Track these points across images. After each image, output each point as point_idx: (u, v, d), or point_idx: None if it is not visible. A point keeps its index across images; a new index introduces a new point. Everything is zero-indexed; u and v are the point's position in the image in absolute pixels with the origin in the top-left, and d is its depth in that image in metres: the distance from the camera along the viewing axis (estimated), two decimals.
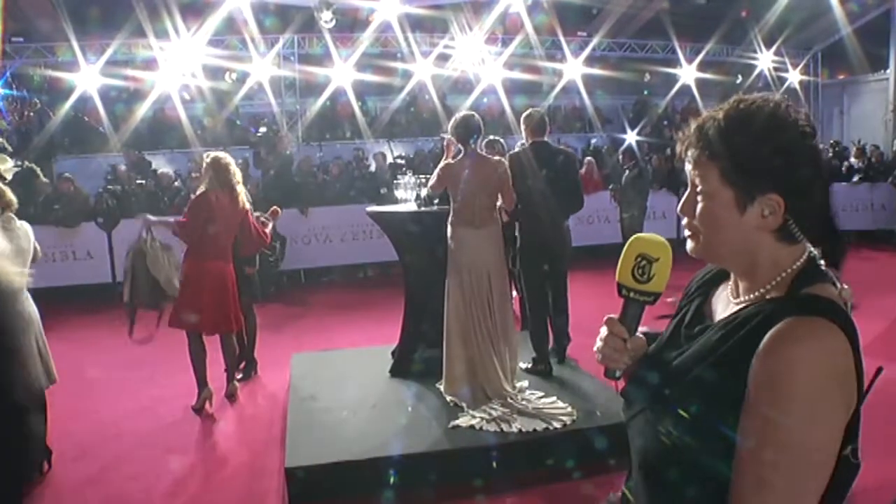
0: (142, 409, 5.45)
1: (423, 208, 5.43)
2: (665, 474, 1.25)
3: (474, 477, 4.03)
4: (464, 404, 4.73)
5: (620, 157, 10.54)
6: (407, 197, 5.64)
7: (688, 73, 13.53)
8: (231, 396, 5.52)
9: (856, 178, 11.40)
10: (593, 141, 13.65)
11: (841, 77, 14.59)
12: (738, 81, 14.41)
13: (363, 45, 11.15)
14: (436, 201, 5.36)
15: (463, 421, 4.52)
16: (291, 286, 10.18)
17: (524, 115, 5.83)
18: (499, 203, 5.01)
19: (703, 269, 1.48)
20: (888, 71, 13.23)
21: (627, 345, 1.35)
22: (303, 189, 10.31)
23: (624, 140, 12.52)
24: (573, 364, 5.72)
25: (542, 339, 5.61)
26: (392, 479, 3.96)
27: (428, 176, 5.83)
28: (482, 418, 4.52)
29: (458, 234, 4.89)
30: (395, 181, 5.92)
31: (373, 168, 11.29)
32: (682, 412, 1.20)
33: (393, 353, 5.80)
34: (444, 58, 11.78)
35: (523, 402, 4.76)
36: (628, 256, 1.32)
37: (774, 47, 13.55)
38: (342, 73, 11.33)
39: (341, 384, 5.28)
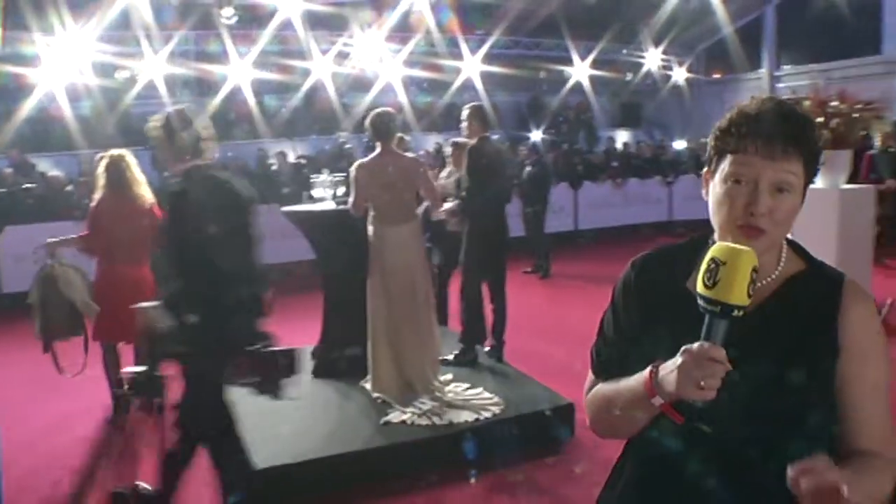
0: (54, 425, 5.13)
1: (340, 206, 5.39)
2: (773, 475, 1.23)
3: (411, 471, 4.04)
4: (392, 400, 4.73)
5: (523, 152, 10.77)
6: (324, 195, 5.57)
7: (580, 71, 13.95)
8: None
9: None
10: (493, 138, 13.88)
11: (720, 75, 15.43)
12: (628, 79, 15.00)
13: (262, 43, 10.88)
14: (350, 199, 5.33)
15: (394, 417, 4.51)
16: None
17: (471, 109, 5.84)
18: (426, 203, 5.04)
19: (635, 269, 1.50)
20: (762, 70, 14.12)
21: (727, 366, 1.21)
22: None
23: (521, 137, 12.78)
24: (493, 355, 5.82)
25: (477, 331, 5.74)
26: (329, 480, 3.92)
27: (344, 174, 5.80)
28: (413, 413, 4.54)
29: (379, 232, 4.87)
30: (311, 180, 5.83)
31: (275, 167, 11.04)
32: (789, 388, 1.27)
33: (313, 354, 5.72)
34: (343, 55, 11.66)
35: (451, 395, 4.81)
36: (742, 273, 1.19)
37: (662, 47, 14.18)
38: (240, 71, 11.02)
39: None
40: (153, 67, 10.47)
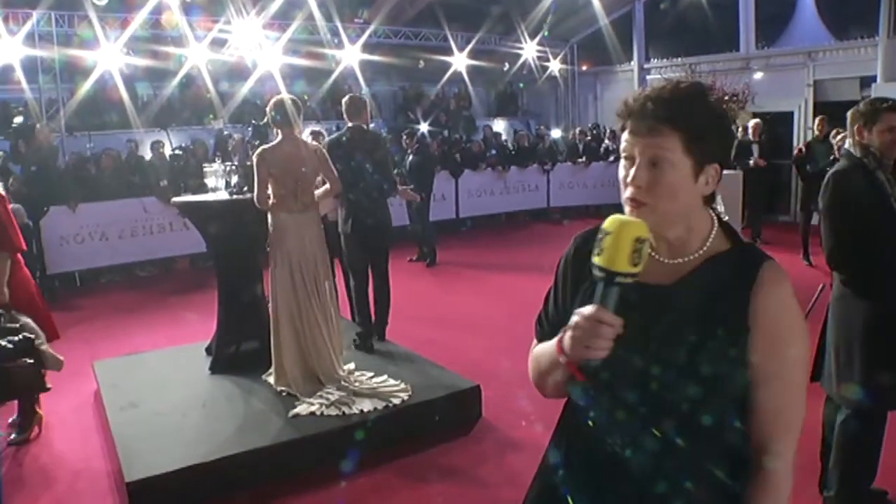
0: None
1: (234, 196, 5.24)
2: (687, 444, 1.35)
3: (325, 463, 4.01)
4: (298, 392, 4.67)
5: (404, 141, 10.79)
6: (217, 185, 5.39)
7: (459, 61, 14.12)
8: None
9: (612, 158, 12.77)
10: (371, 126, 13.83)
11: (593, 67, 16.04)
12: (506, 69, 15.32)
13: (133, 27, 10.30)
14: (245, 188, 5.21)
15: (302, 409, 4.46)
16: (66, 290, 9.25)
17: (343, 100, 5.86)
18: (325, 187, 4.98)
19: (574, 245, 1.57)
20: (633, 63, 14.81)
21: (618, 329, 1.30)
22: (71, 184, 9.37)
23: (404, 126, 12.81)
24: (393, 342, 5.86)
25: (368, 316, 5.78)
26: (241, 478, 3.84)
27: (236, 163, 5.66)
28: (321, 404, 4.49)
29: (280, 220, 4.77)
30: (204, 169, 5.62)
31: (148, 158, 10.53)
32: (692, 367, 1.33)
33: (208, 350, 5.56)
34: (220, 42, 11.24)
35: (357, 384, 4.80)
36: (623, 242, 1.27)
37: (537, 38, 14.57)
38: (110, 57, 10.38)
39: (161, 387, 4.95)
40: (9, 50, 9.68)
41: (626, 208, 1.39)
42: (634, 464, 1.36)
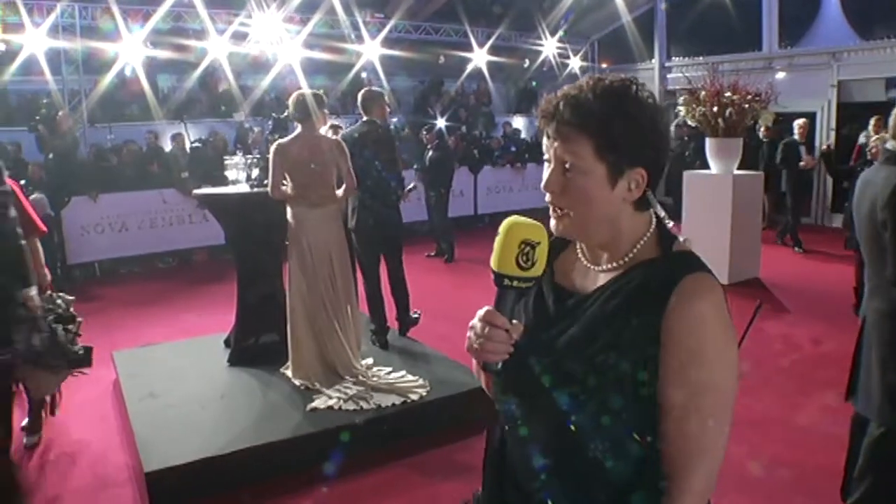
0: None
1: (255, 189, 5.26)
2: (581, 456, 1.27)
3: (341, 457, 4.01)
4: (317, 385, 4.68)
5: (424, 136, 10.79)
6: (238, 178, 5.41)
7: (479, 57, 14.08)
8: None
9: None
10: (393, 121, 13.84)
11: (613, 65, 15.93)
12: (526, 66, 15.25)
13: (154, 20, 10.35)
14: (265, 181, 5.22)
15: (320, 403, 4.47)
16: (86, 280, 9.32)
17: (359, 94, 5.87)
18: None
19: None
20: (654, 61, 14.70)
21: (512, 335, 1.27)
22: (92, 174, 9.45)
23: (424, 122, 12.80)
24: (411, 338, 5.86)
25: (380, 313, 5.77)
26: (259, 471, 3.84)
27: (257, 156, 5.67)
28: (339, 398, 4.50)
29: (298, 214, 4.78)
30: (224, 161, 5.63)
31: (169, 150, 10.59)
32: (591, 384, 1.24)
33: (226, 342, 5.59)
34: (240, 36, 11.28)
35: (375, 379, 4.80)
36: (509, 244, 1.24)
37: (558, 36, 14.50)
38: (132, 49, 10.44)
39: (179, 379, 4.98)
40: (35, 41, 9.76)
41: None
42: (614, 470, 1.27)
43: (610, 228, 1.30)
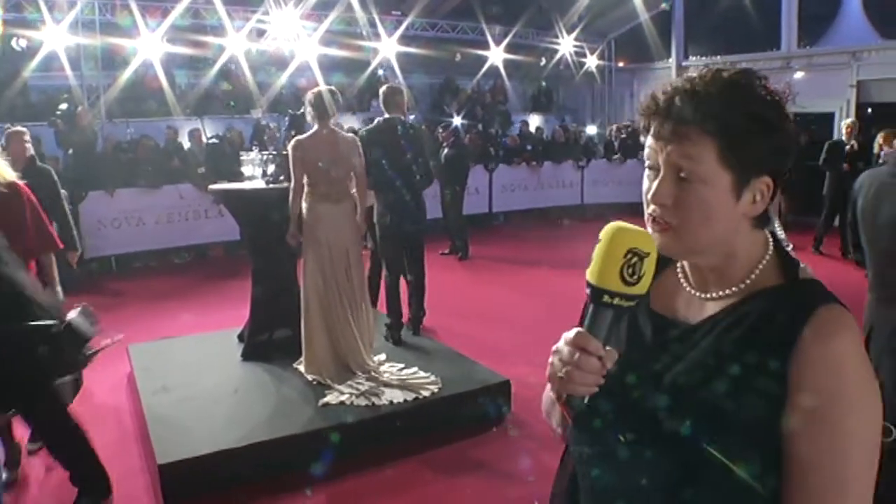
0: None
1: (271, 185, 5.29)
2: None
3: (353, 452, 4.03)
4: (329, 380, 4.69)
5: (440, 134, 10.79)
6: (253, 174, 5.44)
7: (496, 55, 14.08)
8: None
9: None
10: (411, 118, 13.87)
11: (630, 63, 15.90)
12: (542, 64, 15.23)
13: (173, 16, 10.43)
14: (281, 177, 5.27)
15: (332, 398, 4.48)
16: (102, 274, 9.41)
17: (381, 90, 5.90)
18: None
19: None
20: (671, 60, 14.63)
21: (606, 363, 1.06)
22: (110, 168, 9.52)
23: (440, 120, 12.83)
24: (424, 335, 5.88)
25: (398, 309, 5.80)
26: (271, 465, 3.86)
27: (273, 152, 5.70)
28: (351, 394, 4.52)
29: (315, 209, 4.80)
30: (240, 157, 5.67)
31: (187, 146, 10.67)
32: (701, 432, 1.05)
33: (240, 337, 5.62)
34: (258, 33, 11.34)
35: (387, 376, 4.81)
36: (613, 253, 1.04)
37: (574, 34, 14.46)
38: (150, 45, 10.53)
39: (193, 372, 5.01)
40: (55, 37, 9.87)
41: (648, 229, 1.11)
42: None
43: (726, 248, 1.11)
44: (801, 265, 1.13)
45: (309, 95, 4.83)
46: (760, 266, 1.12)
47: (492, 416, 4.58)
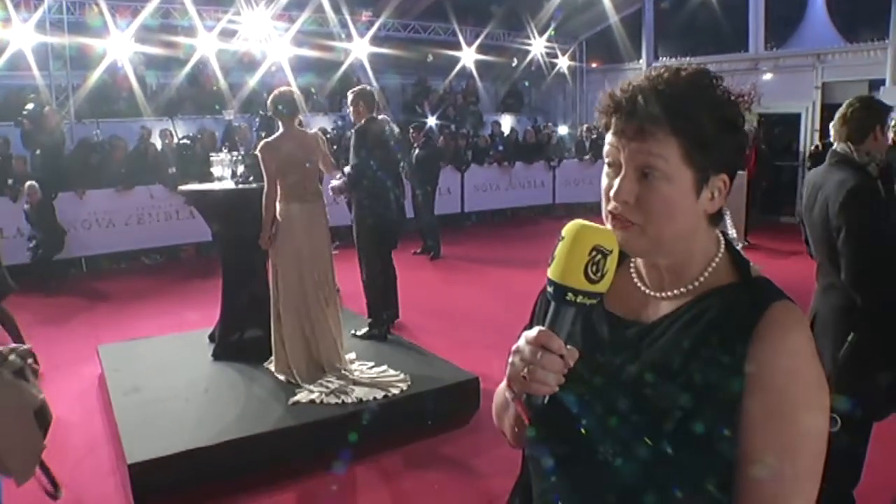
0: None
1: (240, 185, 5.31)
2: None
3: (324, 450, 4.07)
4: (299, 380, 4.72)
5: (411, 134, 10.83)
6: (223, 174, 5.45)
7: (468, 56, 14.15)
8: None
9: None
10: (380, 118, 13.88)
11: (602, 65, 16.06)
12: (514, 64, 15.33)
13: (143, 16, 10.36)
14: (251, 178, 5.30)
15: (302, 397, 4.52)
16: (72, 276, 9.33)
17: (355, 93, 5.93)
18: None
19: None
20: (641, 61, 14.81)
21: (568, 361, 1.06)
22: (79, 170, 9.45)
23: (413, 120, 12.85)
24: (395, 334, 5.93)
25: (380, 305, 5.91)
26: (242, 463, 3.90)
27: (243, 153, 5.73)
28: (321, 392, 4.56)
29: (289, 209, 4.82)
30: (210, 158, 5.68)
31: (159, 147, 10.60)
32: (664, 427, 1.04)
33: (211, 337, 5.63)
34: (229, 33, 11.30)
35: (357, 374, 4.86)
36: (578, 251, 1.04)
37: (546, 35, 14.58)
38: (120, 45, 10.45)
39: (164, 373, 5.02)
40: (22, 36, 9.76)
41: (608, 226, 1.11)
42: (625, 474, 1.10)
43: (686, 246, 1.11)
44: (751, 264, 1.15)
45: (273, 97, 4.85)
46: (713, 264, 1.13)
47: (461, 412, 4.64)
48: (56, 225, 8.78)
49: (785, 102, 12.15)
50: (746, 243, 9.75)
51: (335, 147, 9.89)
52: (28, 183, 8.40)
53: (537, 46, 14.70)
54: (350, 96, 5.92)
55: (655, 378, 1.07)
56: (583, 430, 1.12)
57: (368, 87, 6.18)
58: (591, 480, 1.13)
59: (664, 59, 14.68)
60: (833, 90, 12.23)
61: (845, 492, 3.10)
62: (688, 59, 13.72)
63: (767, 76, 12.83)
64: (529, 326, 1.27)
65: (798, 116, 12.59)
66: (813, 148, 9.53)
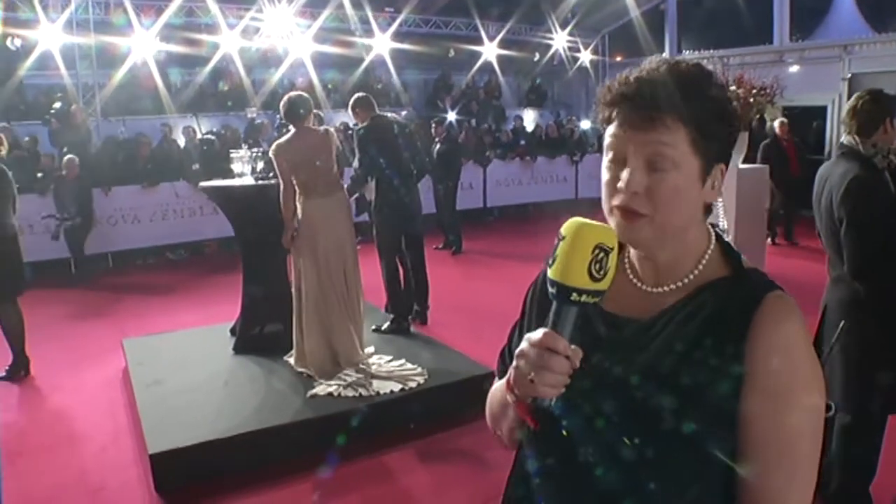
0: None
1: (260, 181, 5.38)
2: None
3: (341, 442, 4.10)
4: (318, 373, 4.77)
5: (433, 129, 10.86)
6: (243, 170, 5.52)
7: (490, 51, 14.14)
8: None
9: None
10: (403, 114, 13.94)
11: (624, 58, 15.95)
12: (536, 59, 15.29)
13: (167, 15, 10.51)
14: (270, 174, 5.35)
15: (320, 390, 4.57)
16: (99, 271, 9.49)
17: (353, 101, 6.06)
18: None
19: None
20: (664, 54, 14.69)
21: (574, 362, 1.04)
22: (106, 167, 9.61)
23: (434, 115, 12.89)
24: (415, 329, 5.98)
25: (401, 298, 6.05)
26: (259, 455, 3.96)
27: (263, 149, 5.80)
28: (339, 385, 4.60)
29: (308, 206, 4.87)
30: (230, 154, 5.76)
31: (182, 144, 10.75)
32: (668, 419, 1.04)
33: (232, 331, 5.70)
34: (251, 30, 11.42)
35: (375, 367, 4.90)
36: (580, 249, 1.02)
37: (568, 29, 14.52)
38: (144, 44, 10.61)
39: (185, 366, 5.10)
40: (50, 36, 9.95)
41: (612, 220, 1.10)
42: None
43: (683, 236, 1.12)
44: (741, 255, 1.16)
45: (282, 104, 4.94)
46: (706, 257, 1.14)
47: (475, 407, 4.65)
48: (91, 205, 9.00)
49: (811, 95, 12.00)
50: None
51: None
52: (68, 156, 8.63)
53: (559, 40, 14.66)
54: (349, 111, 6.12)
55: (648, 381, 1.06)
56: (564, 433, 1.12)
57: (360, 94, 6.23)
58: (573, 484, 1.13)
59: (687, 52, 14.52)
60: (861, 82, 12.01)
61: (862, 485, 3.08)
62: (710, 51, 13.62)
63: (793, 69, 12.65)
64: (521, 322, 1.32)
65: (824, 109, 12.41)
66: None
